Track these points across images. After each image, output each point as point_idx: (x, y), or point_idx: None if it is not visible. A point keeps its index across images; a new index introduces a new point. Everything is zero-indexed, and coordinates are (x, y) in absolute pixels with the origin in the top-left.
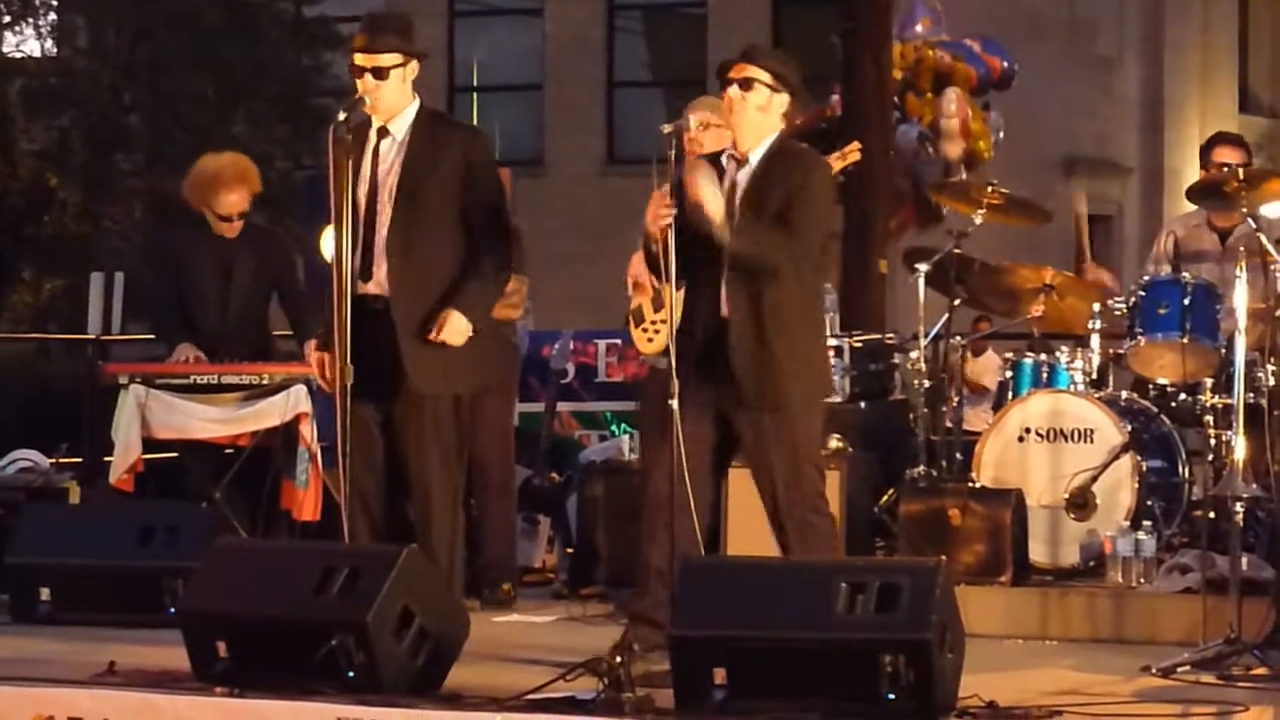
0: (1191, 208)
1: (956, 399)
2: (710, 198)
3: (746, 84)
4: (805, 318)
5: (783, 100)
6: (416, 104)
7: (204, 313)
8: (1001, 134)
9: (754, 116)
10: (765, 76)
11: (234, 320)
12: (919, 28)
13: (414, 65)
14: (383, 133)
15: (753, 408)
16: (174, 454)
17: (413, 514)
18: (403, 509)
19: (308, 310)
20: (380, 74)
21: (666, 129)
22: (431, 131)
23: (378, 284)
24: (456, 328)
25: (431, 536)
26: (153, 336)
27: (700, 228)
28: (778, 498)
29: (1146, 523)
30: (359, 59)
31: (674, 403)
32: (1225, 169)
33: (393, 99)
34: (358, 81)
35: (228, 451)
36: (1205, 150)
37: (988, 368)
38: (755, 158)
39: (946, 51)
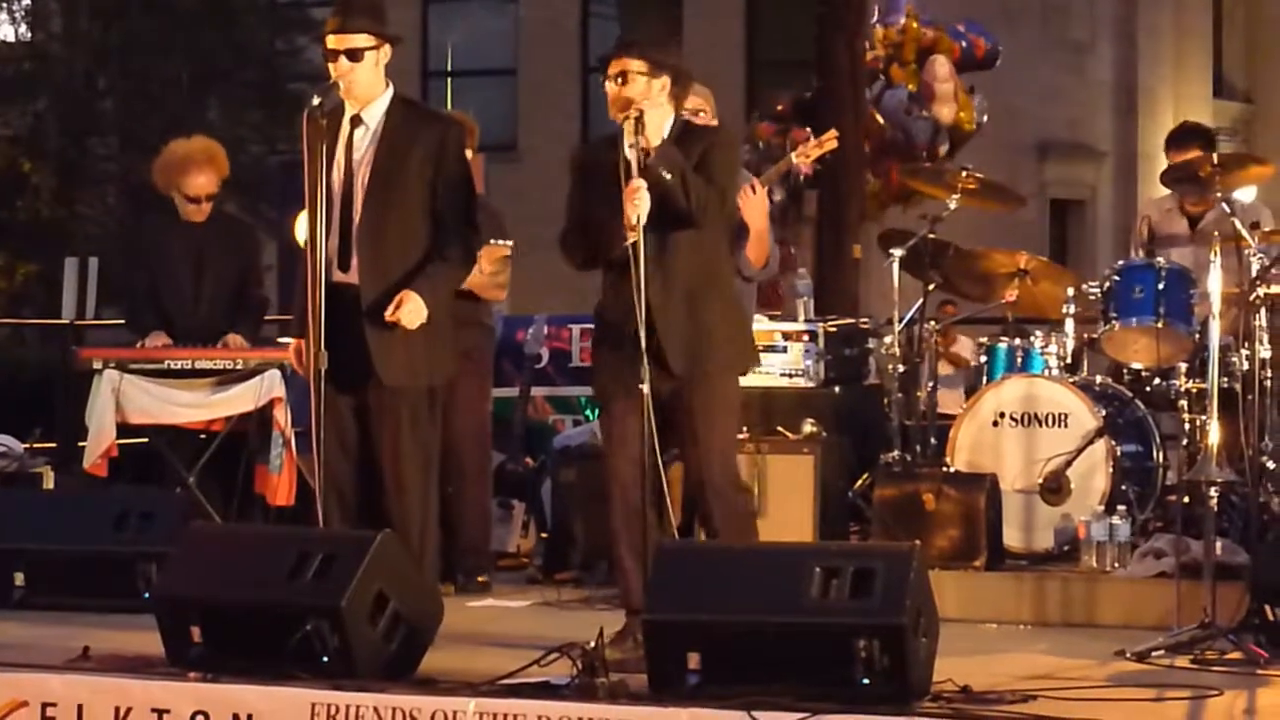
0: (1164, 191)
1: (931, 384)
2: (652, 126)
3: (621, 77)
4: (726, 290)
5: (663, 82)
6: (390, 92)
7: (177, 301)
8: (985, 117)
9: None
10: (639, 65)
11: (206, 308)
12: (903, 18)
13: (386, 50)
14: (356, 121)
15: (677, 379)
16: (145, 439)
17: (387, 503)
18: (376, 494)
19: (258, 304)
20: (354, 56)
21: (634, 113)
22: (405, 120)
23: (354, 272)
24: (413, 309)
25: (406, 527)
26: (123, 323)
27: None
28: (704, 470)
29: (1121, 507)
30: (332, 41)
31: (644, 387)
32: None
33: (366, 83)
34: (330, 65)
35: (201, 436)
36: (1165, 148)
37: (966, 345)
38: (659, 142)
39: (930, 28)
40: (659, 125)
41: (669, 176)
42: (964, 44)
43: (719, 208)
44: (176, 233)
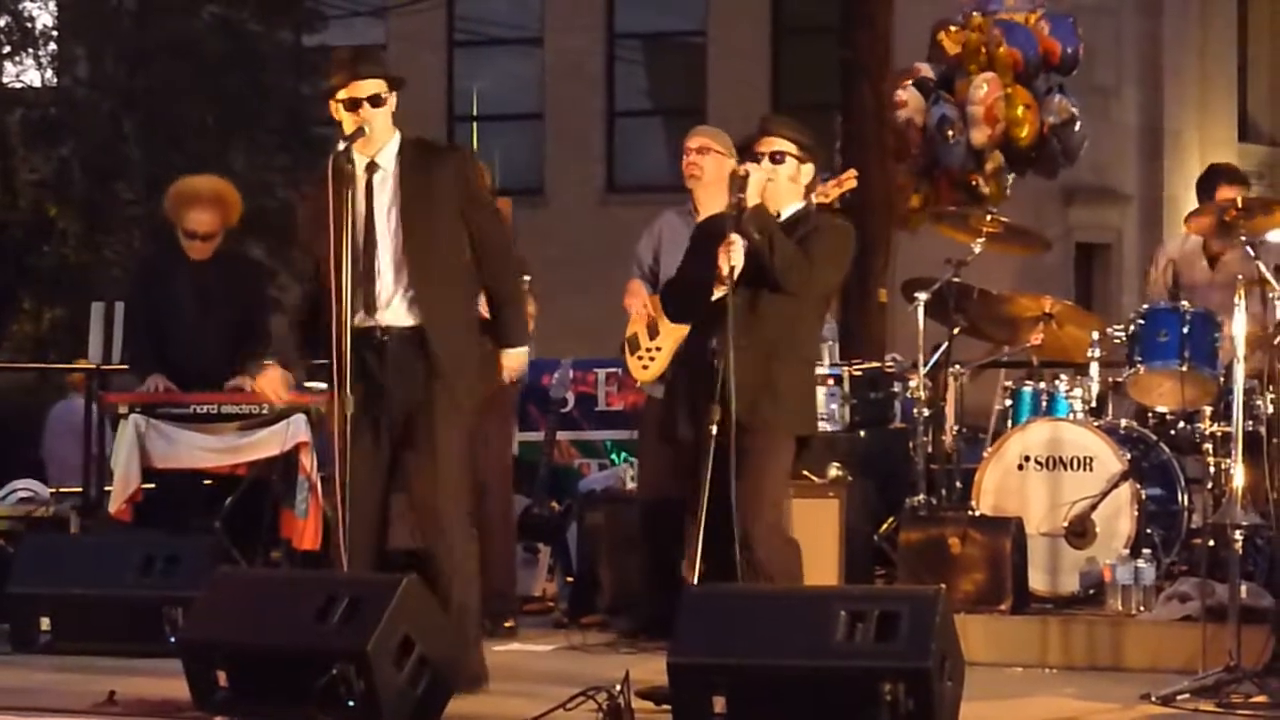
0: (1182, 232)
1: (956, 427)
2: (753, 186)
3: (778, 157)
4: (803, 357)
5: (801, 170)
6: (398, 135)
7: (181, 341)
8: (1078, 125)
9: (787, 186)
10: (792, 148)
11: (212, 348)
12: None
13: (394, 95)
14: (373, 167)
15: (745, 430)
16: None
17: (432, 550)
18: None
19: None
20: (377, 101)
21: (741, 171)
22: (419, 156)
23: (382, 316)
24: (517, 364)
25: (450, 570)
26: (125, 366)
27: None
28: (749, 521)
29: (1146, 550)
30: (358, 88)
31: (714, 427)
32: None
33: (383, 128)
34: (348, 116)
35: (206, 483)
36: (1206, 185)
37: None
38: (783, 217)
39: (1002, 31)
40: (760, 183)
41: (757, 237)
42: (1029, 54)
43: (805, 276)
44: (181, 272)
